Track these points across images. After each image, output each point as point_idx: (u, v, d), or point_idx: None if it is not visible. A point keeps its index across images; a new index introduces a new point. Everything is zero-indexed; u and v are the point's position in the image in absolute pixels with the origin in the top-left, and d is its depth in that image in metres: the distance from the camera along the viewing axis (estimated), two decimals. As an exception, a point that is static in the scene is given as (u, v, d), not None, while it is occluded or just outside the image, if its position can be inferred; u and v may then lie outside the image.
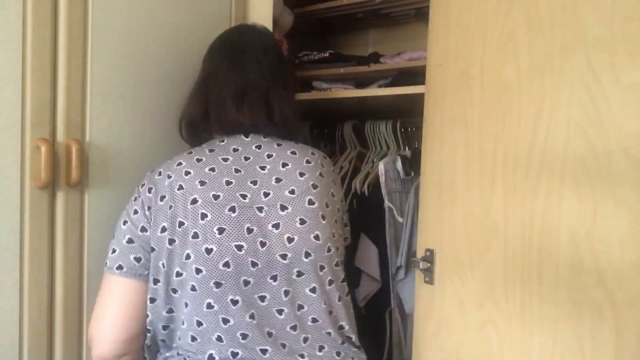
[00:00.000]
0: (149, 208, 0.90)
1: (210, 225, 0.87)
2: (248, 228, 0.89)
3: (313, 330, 0.92)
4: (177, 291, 0.88)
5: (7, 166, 0.88)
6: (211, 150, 0.96)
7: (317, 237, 0.92)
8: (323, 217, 0.94)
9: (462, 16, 1.00)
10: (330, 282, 0.94)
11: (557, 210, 0.87)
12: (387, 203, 1.41)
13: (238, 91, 0.97)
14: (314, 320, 0.92)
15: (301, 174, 0.96)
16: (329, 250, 0.94)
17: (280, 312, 0.90)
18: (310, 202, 0.93)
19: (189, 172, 0.91)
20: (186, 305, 0.88)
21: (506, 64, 0.94)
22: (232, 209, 0.89)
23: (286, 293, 0.90)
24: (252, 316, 0.88)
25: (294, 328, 0.90)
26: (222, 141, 0.98)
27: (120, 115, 1.03)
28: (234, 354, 0.86)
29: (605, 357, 0.83)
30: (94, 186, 0.99)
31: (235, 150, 0.96)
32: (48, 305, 0.94)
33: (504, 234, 0.94)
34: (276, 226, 0.91)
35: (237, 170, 0.93)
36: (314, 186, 0.95)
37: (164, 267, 0.88)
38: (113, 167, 1.02)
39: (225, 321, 0.87)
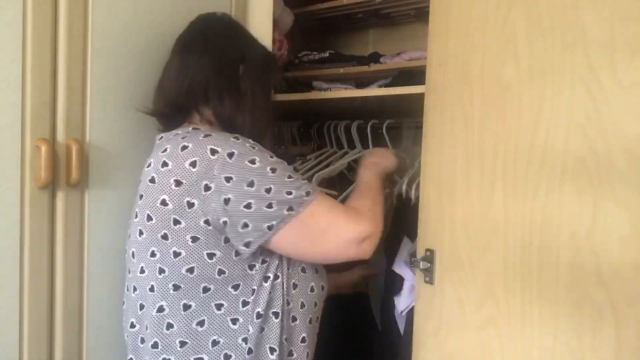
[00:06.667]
0: None
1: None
2: (133, 252, 0.92)
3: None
4: None
5: (7, 166, 0.88)
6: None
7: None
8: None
9: (462, 16, 1.00)
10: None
11: (557, 210, 0.87)
12: None
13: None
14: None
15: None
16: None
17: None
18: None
19: None
20: None
21: (506, 64, 0.94)
22: (128, 227, 0.96)
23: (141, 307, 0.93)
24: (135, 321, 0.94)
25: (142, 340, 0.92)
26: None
27: (120, 115, 1.03)
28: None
29: (605, 357, 0.83)
30: (94, 186, 0.99)
31: (152, 155, 0.94)
32: (48, 305, 0.94)
33: (504, 234, 0.94)
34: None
35: (141, 182, 0.92)
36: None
37: None
38: (113, 167, 1.02)
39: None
